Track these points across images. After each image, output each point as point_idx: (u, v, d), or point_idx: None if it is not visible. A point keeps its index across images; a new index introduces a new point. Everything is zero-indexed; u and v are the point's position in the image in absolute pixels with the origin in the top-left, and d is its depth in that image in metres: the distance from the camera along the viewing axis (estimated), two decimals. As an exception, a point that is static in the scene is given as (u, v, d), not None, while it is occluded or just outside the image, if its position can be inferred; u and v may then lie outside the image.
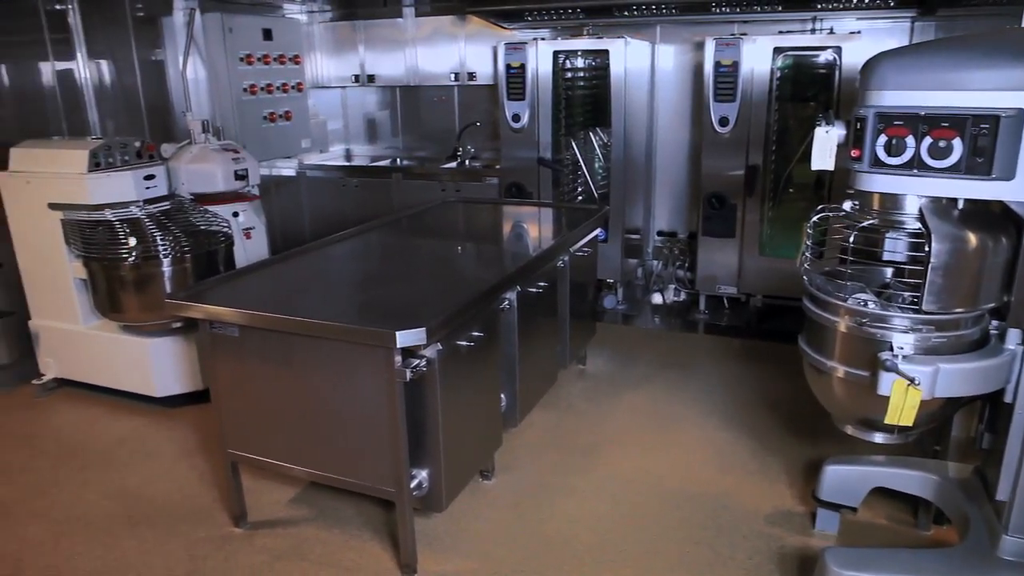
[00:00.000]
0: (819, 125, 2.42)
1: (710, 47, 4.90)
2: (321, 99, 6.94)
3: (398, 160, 6.80)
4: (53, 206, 4.08)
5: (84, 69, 5.04)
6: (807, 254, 2.59)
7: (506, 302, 3.16)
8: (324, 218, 6.40)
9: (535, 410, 3.85)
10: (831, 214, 2.53)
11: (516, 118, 5.42)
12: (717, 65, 4.89)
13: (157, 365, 4.12)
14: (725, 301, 5.57)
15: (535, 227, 4.36)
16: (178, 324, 4.08)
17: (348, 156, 7.09)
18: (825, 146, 2.40)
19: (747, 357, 4.78)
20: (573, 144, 5.70)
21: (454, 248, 4.00)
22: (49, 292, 4.37)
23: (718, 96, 4.94)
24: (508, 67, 5.35)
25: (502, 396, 3.26)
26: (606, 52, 5.15)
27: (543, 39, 5.39)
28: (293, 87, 6.16)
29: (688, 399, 4.20)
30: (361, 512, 3.19)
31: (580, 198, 5.83)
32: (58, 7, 4.86)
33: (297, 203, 6.57)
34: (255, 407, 2.86)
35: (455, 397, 2.74)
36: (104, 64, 5.19)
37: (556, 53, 5.30)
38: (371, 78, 6.67)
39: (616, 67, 5.13)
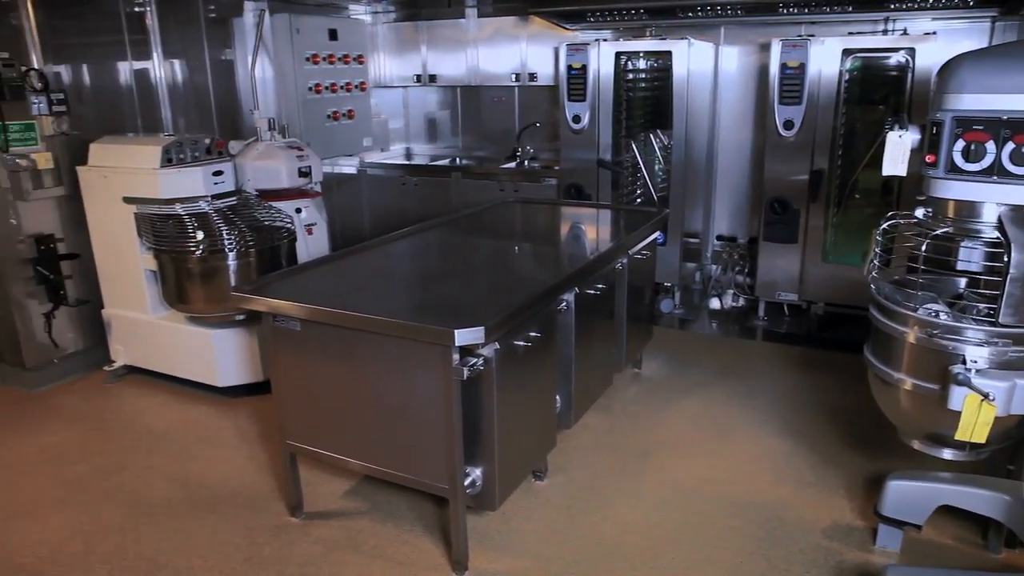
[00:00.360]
0: (892, 129, 2.35)
1: (776, 49, 4.80)
2: (383, 98, 7.04)
3: (457, 159, 6.86)
4: (127, 200, 4.24)
5: (159, 68, 5.22)
6: (875, 262, 2.51)
7: (564, 303, 3.15)
8: (383, 216, 6.49)
9: (589, 413, 3.83)
10: (902, 221, 2.45)
11: (576, 119, 5.41)
12: (783, 67, 4.79)
13: (220, 356, 4.23)
14: (785, 308, 5.45)
15: (593, 229, 4.34)
16: (241, 317, 4.19)
17: (408, 155, 7.18)
18: (898, 151, 2.33)
19: (807, 366, 4.67)
20: (633, 146, 5.65)
21: (512, 248, 4.01)
22: (121, 282, 4.54)
23: (783, 99, 4.84)
24: (570, 68, 5.34)
25: (557, 397, 3.26)
26: (669, 53, 5.09)
27: (605, 40, 5.36)
28: (356, 86, 6.27)
29: (745, 407, 4.12)
30: (414, 507, 3.23)
31: (639, 200, 5.78)
32: (137, 9, 5.04)
33: (357, 201, 6.68)
34: (314, 400, 2.92)
35: (511, 397, 2.75)
36: (177, 64, 5.36)
37: (618, 54, 5.27)
38: (432, 78, 6.73)
39: (679, 68, 5.07)
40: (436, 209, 5.92)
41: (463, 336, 2.37)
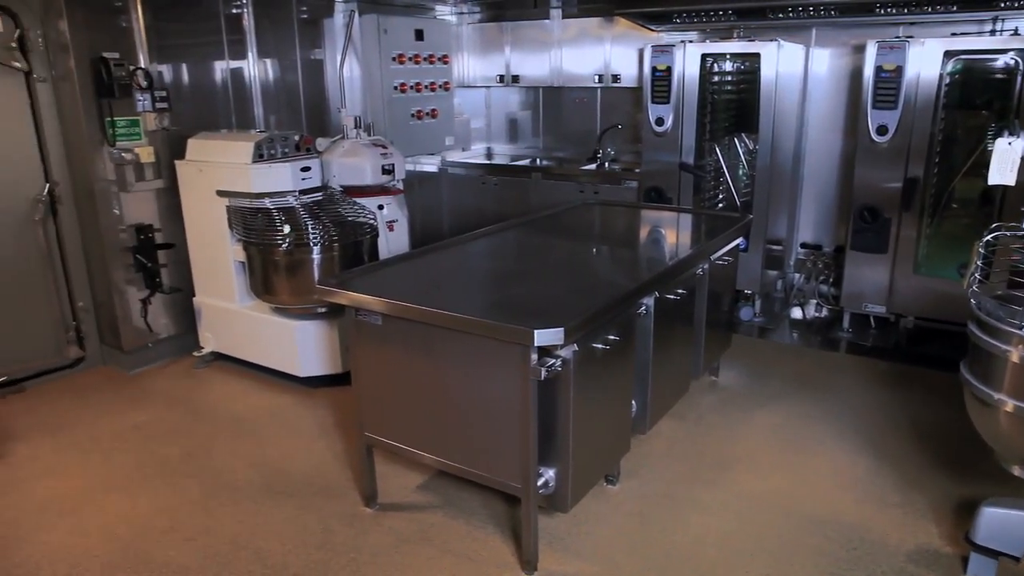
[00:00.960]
0: (1000, 136, 2.23)
1: (871, 50, 4.63)
2: (466, 98, 7.12)
3: (538, 160, 6.87)
4: (220, 193, 4.41)
5: (253, 67, 5.41)
6: (976, 275, 2.39)
7: (643, 307, 3.12)
8: (463, 214, 6.56)
9: (664, 419, 3.78)
10: (1007, 233, 2.33)
11: (659, 121, 5.34)
12: (878, 70, 4.61)
13: (302, 346, 4.36)
14: (872, 320, 5.25)
15: (674, 233, 4.28)
16: (323, 309, 4.30)
17: (489, 155, 7.23)
18: (1006, 159, 2.21)
19: (893, 381, 4.48)
20: (716, 150, 5.55)
21: (591, 250, 4.00)
22: (212, 272, 4.73)
23: (877, 103, 4.66)
24: (654, 69, 5.28)
25: (633, 402, 3.23)
26: (757, 55, 4.97)
27: (691, 42, 5.27)
28: (440, 86, 6.36)
29: (826, 421, 3.99)
30: (486, 504, 3.25)
31: (721, 205, 5.66)
32: (235, 10, 5.24)
33: (438, 199, 6.77)
34: (392, 394, 2.97)
35: (587, 399, 2.74)
36: (269, 63, 5.55)
37: (704, 56, 5.17)
38: (515, 78, 6.77)
39: (767, 71, 4.95)
40: (515, 209, 5.95)
41: (542, 337, 2.37)
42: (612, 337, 2.82)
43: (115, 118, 4.51)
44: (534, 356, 2.48)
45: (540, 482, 2.72)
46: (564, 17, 6.43)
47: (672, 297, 3.34)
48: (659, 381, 3.37)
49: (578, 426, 2.69)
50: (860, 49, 5.00)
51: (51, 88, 4.50)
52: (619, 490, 3.36)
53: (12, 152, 4.42)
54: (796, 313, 5.61)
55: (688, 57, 5.18)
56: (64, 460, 3.75)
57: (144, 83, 4.59)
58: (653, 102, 5.35)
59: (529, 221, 4.37)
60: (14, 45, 4.31)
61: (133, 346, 4.83)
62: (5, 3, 4.24)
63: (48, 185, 4.57)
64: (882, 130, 4.69)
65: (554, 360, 2.53)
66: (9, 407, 4.34)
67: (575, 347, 2.58)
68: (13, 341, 4.51)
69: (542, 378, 2.50)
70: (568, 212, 4.66)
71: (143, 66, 4.63)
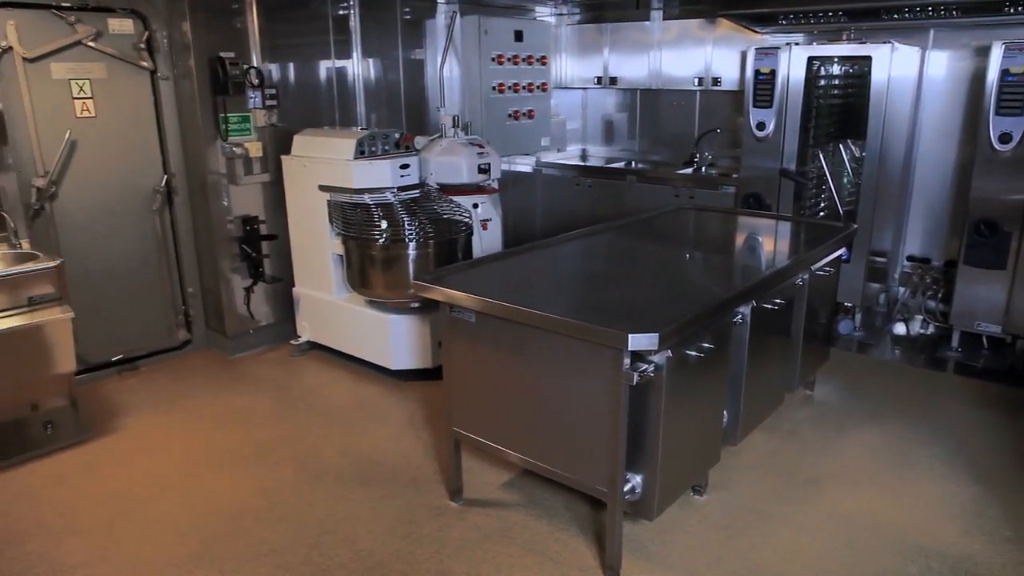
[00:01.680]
0: None
1: (997, 53, 4.36)
2: (563, 99, 7.12)
3: (633, 163, 6.80)
4: (322, 188, 4.57)
5: (357, 66, 5.58)
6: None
7: (740, 316, 3.05)
8: (556, 215, 6.56)
9: (756, 431, 3.68)
10: None
11: (761, 126, 5.20)
12: (1004, 73, 4.34)
13: (394, 340, 4.46)
14: (984, 340, 4.95)
15: (773, 241, 4.16)
16: (416, 304, 4.39)
17: (584, 156, 7.21)
18: None
19: (1007, 406, 4.21)
20: (820, 156, 5.35)
21: (686, 255, 3.93)
22: (311, 264, 4.90)
23: (1002, 108, 4.39)
24: (757, 73, 5.14)
25: (724, 412, 3.15)
26: (868, 58, 4.77)
27: (797, 44, 5.10)
28: (538, 87, 6.39)
29: (929, 444, 3.79)
30: (570, 506, 3.24)
31: (823, 214, 5.46)
32: (341, 12, 5.42)
33: (531, 199, 6.79)
34: (482, 390, 3.01)
35: (678, 406, 2.69)
36: (372, 62, 5.70)
37: (810, 59, 5.00)
38: (613, 80, 6.72)
39: (878, 75, 4.74)
40: (609, 211, 5.91)
41: (636, 341, 2.34)
42: (706, 345, 2.76)
43: (228, 114, 4.73)
44: (627, 360, 2.46)
45: (627, 488, 2.69)
46: (665, 19, 6.34)
47: (769, 307, 3.24)
48: (752, 392, 3.28)
49: (668, 434, 2.65)
50: (983, 51, 4.72)
51: (172, 86, 4.76)
52: (706, 501, 3.29)
53: (137, 146, 4.70)
54: (899, 329, 5.35)
55: (794, 60, 5.01)
56: (170, 437, 3.96)
57: (256, 81, 4.79)
58: (755, 106, 5.21)
59: (623, 224, 4.33)
60: (142, 46, 4.58)
61: (235, 332, 5.05)
62: (137, 7, 4.52)
63: (166, 177, 4.85)
64: (1005, 138, 4.41)
65: (647, 366, 2.50)
66: (124, 384, 4.63)
67: (669, 353, 2.54)
68: (131, 323, 4.81)
69: (634, 383, 2.47)
70: (663, 216, 4.60)
71: (255, 65, 4.84)
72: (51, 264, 3.64)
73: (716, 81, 6.09)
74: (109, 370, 4.74)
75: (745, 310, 3.07)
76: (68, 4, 4.26)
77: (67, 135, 4.35)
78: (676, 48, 6.30)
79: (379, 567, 2.88)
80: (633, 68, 6.58)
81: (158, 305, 4.97)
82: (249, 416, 4.18)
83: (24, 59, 4.17)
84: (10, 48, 4.10)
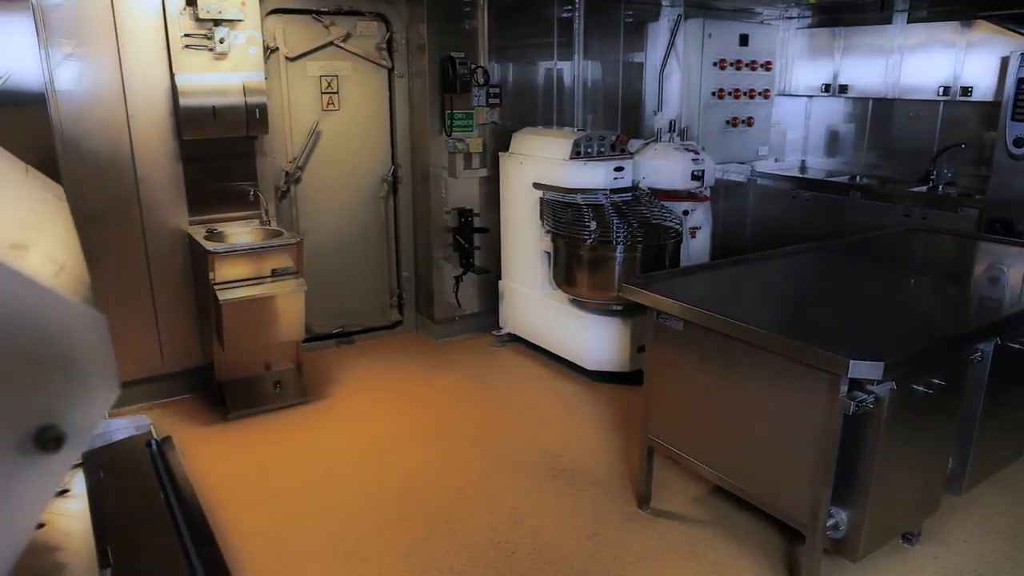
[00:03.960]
0: None
1: None
2: (784, 107, 6.78)
3: (857, 177, 6.33)
4: (536, 185, 4.70)
5: (577, 68, 5.67)
6: None
7: (979, 354, 2.74)
8: (768, 228, 6.27)
9: (986, 484, 3.28)
10: None
11: (1019, 142, 4.63)
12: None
13: (595, 341, 4.49)
14: None
15: (1023, 273, 3.70)
16: (619, 307, 4.38)
17: (803, 168, 6.82)
18: None
19: None
20: (1091, 180, 4.67)
21: (915, 282, 3.60)
22: (519, 259, 5.06)
23: None
24: (1020, 81, 4.59)
25: (950, 458, 2.85)
26: None
27: (1075, 51, 4.49)
28: (760, 93, 6.14)
29: None
30: (761, 532, 3.10)
31: (1088, 246, 4.77)
32: (566, 15, 5.52)
33: (743, 209, 6.54)
34: (682, 401, 2.95)
35: (897, 444, 2.48)
36: (592, 64, 5.76)
37: (1091, 69, 4.38)
38: (843, 88, 6.29)
39: None
40: (827, 227, 5.56)
41: (858, 368, 2.19)
42: (936, 381, 2.51)
43: (454, 111, 5.00)
44: (844, 387, 2.30)
45: (830, 523, 2.52)
46: (909, 22, 5.82)
47: (1016, 347, 2.89)
48: (986, 440, 2.93)
49: (882, 471, 2.45)
50: None
51: (406, 83, 5.12)
52: (918, 552, 3.00)
53: (371, 137, 5.12)
54: None
55: (1068, 69, 4.42)
56: (376, 409, 4.28)
57: (481, 80, 5.02)
58: (1013, 119, 4.65)
59: (846, 243, 4.05)
60: (383, 46, 4.97)
61: (443, 317, 5.34)
62: (382, 11, 4.91)
63: (393, 167, 5.22)
64: None
65: (867, 396, 2.32)
66: (340, 355, 5.05)
67: (893, 385, 2.34)
68: (351, 300, 5.24)
69: (850, 412, 2.31)
70: (891, 237, 4.25)
71: (482, 64, 5.07)
72: (293, 241, 4.06)
73: (966, 91, 5.49)
74: (328, 341, 5.19)
75: (986, 348, 2.76)
76: (326, 9, 4.72)
77: (314, 125, 4.83)
78: (919, 54, 5.77)
79: (561, 562, 2.92)
80: (866, 75, 6.12)
81: (376, 286, 5.37)
82: (449, 399, 4.41)
83: (286, 58, 4.67)
84: (276, 48, 4.61)
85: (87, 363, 0.69)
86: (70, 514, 1.37)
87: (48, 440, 0.68)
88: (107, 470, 1.51)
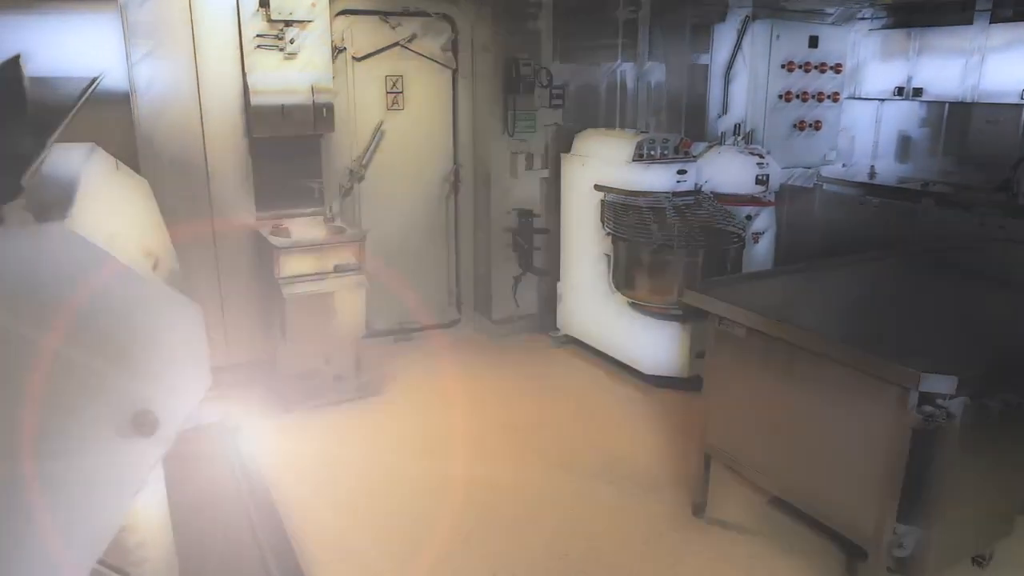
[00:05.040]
0: None
1: None
2: (854, 111, 6.58)
3: (930, 184, 6.12)
4: (598, 187, 4.68)
5: (641, 69, 5.61)
6: None
7: (1059, 371, 2.63)
8: (834, 235, 6.09)
9: (1063, 507, 3.15)
10: None
11: (1107, 151, 4.42)
12: None
13: (652, 345, 4.45)
14: None
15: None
16: (678, 312, 4.33)
17: (871, 174, 6.62)
18: None
19: None
20: None
21: (992, 295, 3.46)
22: (578, 260, 5.05)
23: None
24: (1109, 88, 4.37)
25: (1026, 478, 2.75)
26: None
27: None
28: (829, 97, 5.99)
29: None
30: (820, 547, 3.02)
31: None
32: (630, 16, 5.48)
33: (808, 215, 6.37)
34: (741, 409, 2.91)
35: (969, 462, 2.40)
36: (656, 66, 5.70)
37: None
38: (917, 91, 6.09)
39: None
40: (896, 235, 5.38)
41: (930, 382, 2.13)
42: (1013, 397, 2.42)
43: (517, 111, 5.01)
44: (914, 401, 2.23)
45: (895, 541, 2.45)
46: (993, 22, 5.60)
47: (1101, 365, 2.75)
48: (1065, 461, 2.81)
49: (953, 490, 2.37)
50: None
51: (470, 84, 5.16)
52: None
53: (433, 137, 5.18)
54: None
55: None
56: (432, 407, 4.33)
57: (545, 81, 5.03)
58: (1101, 127, 4.43)
59: (918, 252, 3.92)
60: (448, 47, 5.02)
61: (500, 317, 5.36)
62: (448, 12, 4.96)
63: (455, 166, 5.27)
64: None
65: (938, 410, 2.25)
66: (398, 350, 5.12)
67: (966, 400, 2.26)
68: (411, 297, 5.30)
69: (919, 427, 2.24)
70: (967, 248, 4.09)
71: (545, 66, 5.07)
72: (356, 237, 4.13)
73: (1052, 96, 5.27)
74: (387, 336, 5.26)
75: (1068, 365, 2.64)
76: (393, 10, 4.79)
77: (379, 124, 4.91)
78: (1001, 55, 5.54)
79: (616, 566, 2.92)
80: (943, 79, 5.90)
81: (435, 284, 5.43)
82: (506, 398, 4.43)
83: (353, 58, 4.76)
84: (344, 48, 4.70)
85: (184, 353, 0.72)
86: (148, 498, 1.43)
87: (144, 424, 0.72)
88: (184, 456, 1.56)
